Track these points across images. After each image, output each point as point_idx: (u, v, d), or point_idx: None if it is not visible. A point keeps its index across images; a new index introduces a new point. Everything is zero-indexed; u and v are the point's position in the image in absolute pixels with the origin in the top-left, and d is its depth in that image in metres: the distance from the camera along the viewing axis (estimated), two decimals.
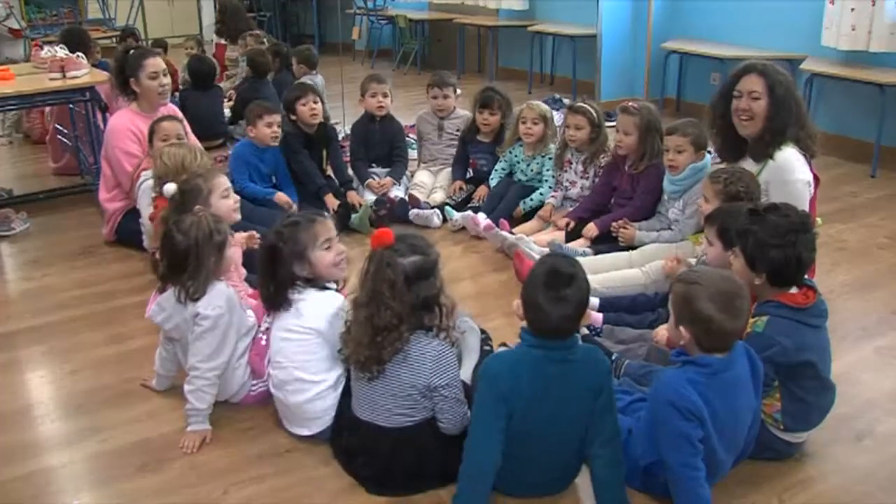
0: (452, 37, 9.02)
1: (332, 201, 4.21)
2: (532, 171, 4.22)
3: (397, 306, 2.09)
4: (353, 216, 4.07)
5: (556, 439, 2.06)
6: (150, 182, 3.43)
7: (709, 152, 3.57)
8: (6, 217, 4.27)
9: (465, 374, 2.42)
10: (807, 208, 2.88)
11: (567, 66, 7.65)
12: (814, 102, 5.52)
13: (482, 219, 3.97)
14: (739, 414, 2.06)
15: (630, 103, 3.72)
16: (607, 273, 3.29)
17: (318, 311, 2.36)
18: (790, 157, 2.94)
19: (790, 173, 2.91)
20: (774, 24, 5.92)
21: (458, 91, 4.75)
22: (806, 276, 2.25)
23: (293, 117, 4.31)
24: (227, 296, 2.48)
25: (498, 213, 4.06)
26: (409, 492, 2.19)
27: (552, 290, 1.96)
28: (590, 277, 3.18)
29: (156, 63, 3.95)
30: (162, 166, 3.18)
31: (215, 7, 10.26)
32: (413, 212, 4.20)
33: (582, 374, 2.02)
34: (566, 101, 6.63)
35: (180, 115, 4.09)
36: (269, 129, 4.12)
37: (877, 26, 5.08)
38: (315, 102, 4.29)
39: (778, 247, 2.15)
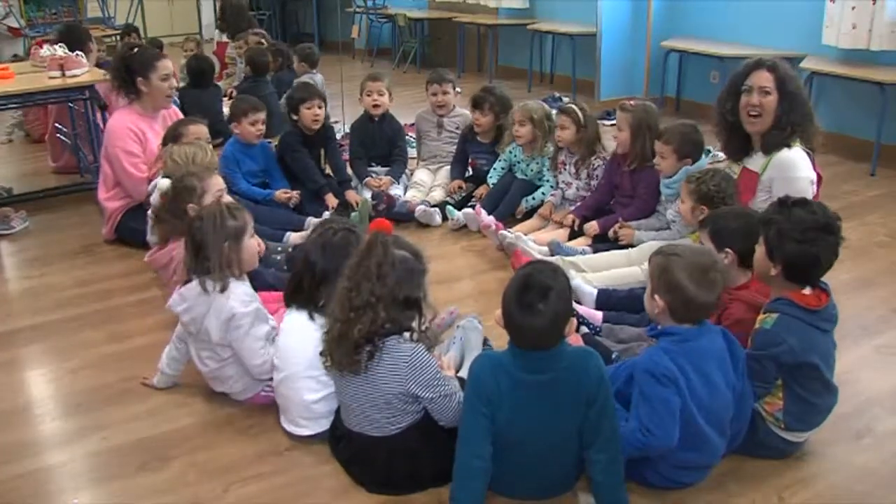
0: (452, 35, 9.01)
1: (332, 200, 4.21)
2: (532, 170, 4.22)
3: (378, 287, 2.08)
4: (353, 214, 4.06)
5: (547, 446, 2.05)
6: (164, 182, 3.43)
7: (708, 151, 3.58)
8: (6, 216, 4.26)
9: (466, 372, 2.42)
10: None
11: (567, 65, 7.64)
12: (814, 101, 5.50)
13: (484, 214, 3.97)
14: (716, 386, 2.09)
15: (630, 101, 3.72)
16: (606, 271, 3.29)
17: None
18: (795, 155, 2.94)
19: (794, 170, 2.92)
20: (775, 22, 5.92)
21: (459, 89, 4.75)
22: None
23: (294, 117, 4.30)
24: (254, 295, 2.53)
25: (500, 212, 4.06)
26: (409, 492, 2.19)
27: (524, 305, 1.94)
28: (589, 275, 3.22)
29: (168, 65, 3.96)
30: (173, 165, 3.18)
31: (215, 6, 10.26)
32: (420, 207, 4.19)
33: (569, 385, 2.00)
34: (565, 99, 6.64)
35: (182, 116, 4.10)
36: (253, 126, 4.12)
37: (877, 25, 5.08)
38: (320, 108, 4.28)
39: (796, 241, 2.16)
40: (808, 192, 2.90)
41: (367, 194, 4.32)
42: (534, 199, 4.16)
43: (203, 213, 2.53)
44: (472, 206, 4.14)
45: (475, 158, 4.50)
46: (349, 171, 4.56)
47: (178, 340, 2.65)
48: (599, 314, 2.97)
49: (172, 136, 3.60)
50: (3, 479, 2.30)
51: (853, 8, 5.16)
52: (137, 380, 2.76)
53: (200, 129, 3.63)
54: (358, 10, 9.83)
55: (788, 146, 2.96)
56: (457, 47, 8.94)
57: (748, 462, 2.28)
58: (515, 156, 4.25)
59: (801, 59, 5.43)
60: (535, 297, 1.93)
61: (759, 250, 2.27)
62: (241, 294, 2.48)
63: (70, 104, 4.77)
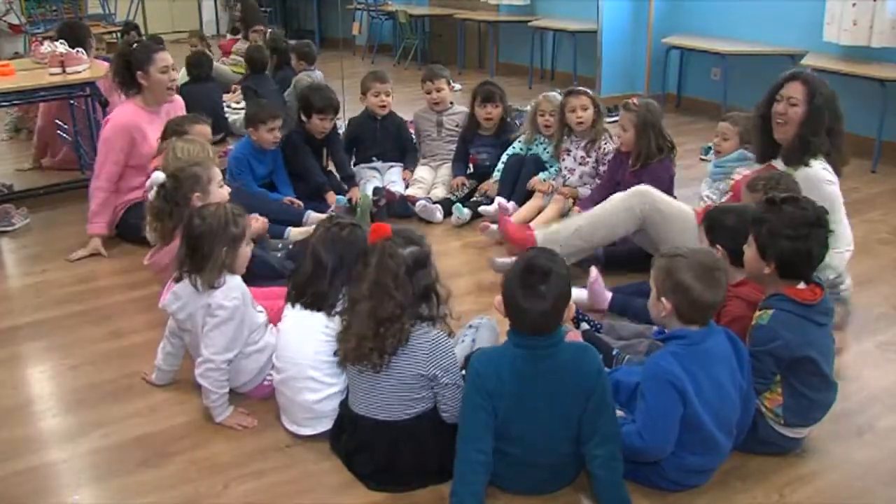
0: (453, 32, 9.01)
1: (333, 199, 4.21)
2: (548, 153, 4.25)
3: (400, 296, 2.11)
4: (356, 209, 4.07)
5: (548, 436, 2.05)
6: (159, 175, 3.41)
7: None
8: (6, 212, 4.26)
9: None
10: (841, 211, 3.01)
11: (568, 62, 7.63)
12: None
13: (501, 202, 4.02)
14: (724, 388, 2.09)
15: (633, 100, 3.72)
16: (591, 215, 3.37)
17: None
18: (815, 171, 3.00)
19: (818, 181, 2.98)
20: (776, 19, 5.91)
21: (458, 86, 4.75)
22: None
23: (304, 119, 4.29)
24: (243, 290, 2.50)
25: (518, 193, 4.14)
26: (409, 487, 2.19)
27: (527, 287, 1.97)
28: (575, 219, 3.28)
29: (166, 57, 3.94)
30: (174, 160, 3.13)
31: (215, 3, 10.27)
32: (420, 203, 4.20)
33: (569, 374, 2.01)
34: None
35: (184, 109, 4.10)
36: (270, 134, 4.10)
37: (878, 22, 5.08)
38: (331, 120, 4.29)
39: (789, 238, 2.16)
40: (837, 196, 2.99)
41: (368, 190, 4.32)
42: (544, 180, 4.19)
43: (207, 213, 2.48)
44: (475, 205, 4.16)
45: (476, 153, 4.50)
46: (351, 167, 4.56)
47: (171, 335, 2.64)
48: (608, 295, 3.04)
49: (174, 131, 3.56)
50: (3, 476, 2.30)
51: (854, 5, 5.15)
52: (138, 376, 2.76)
53: (205, 130, 3.60)
54: (359, 6, 9.82)
55: (808, 164, 3.01)
56: (457, 44, 8.94)
57: (751, 459, 2.28)
58: (546, 150, 4.26)
59: (802, 55, 5.42)
60: (537, 279, 1.96)
61: (750, 251, 2.27)
62: (229, 287, 2.46)
63: (71, 101, 4.76)
